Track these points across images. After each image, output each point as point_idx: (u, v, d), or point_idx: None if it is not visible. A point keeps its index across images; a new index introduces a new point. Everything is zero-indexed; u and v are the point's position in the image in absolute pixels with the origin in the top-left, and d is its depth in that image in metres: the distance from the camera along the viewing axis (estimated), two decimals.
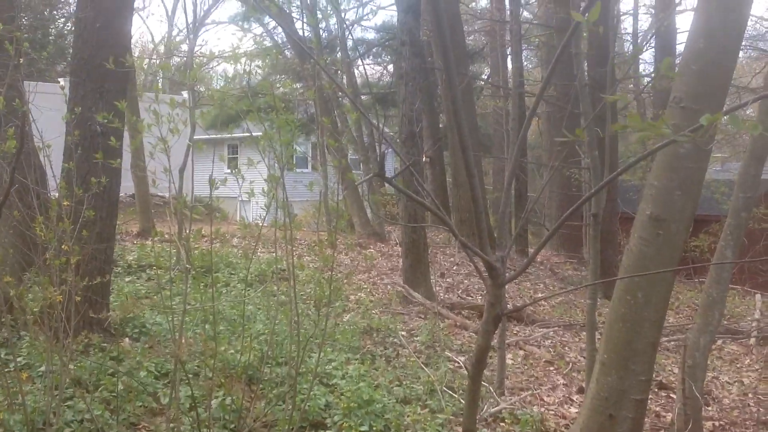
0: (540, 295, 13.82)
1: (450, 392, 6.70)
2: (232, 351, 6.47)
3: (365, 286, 12.26)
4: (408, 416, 5.81)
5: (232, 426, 5.19)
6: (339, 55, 22.11)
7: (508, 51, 23.31)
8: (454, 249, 18.75)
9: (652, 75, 22.53)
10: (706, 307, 6.64)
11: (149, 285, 10.08)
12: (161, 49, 38.85)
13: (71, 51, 7.64)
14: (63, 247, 4.57)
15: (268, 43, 23.87)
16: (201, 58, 30.36)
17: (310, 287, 9.83)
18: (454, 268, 16.00)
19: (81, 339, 5.51)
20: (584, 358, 9.22)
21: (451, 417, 6.06)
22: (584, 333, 10.42)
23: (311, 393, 5.34)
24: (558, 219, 13.70)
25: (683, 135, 2.86)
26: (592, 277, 6.72)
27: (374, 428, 5.38)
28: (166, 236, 15.72)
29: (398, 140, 11.99)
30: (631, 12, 26.97)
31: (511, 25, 18.30)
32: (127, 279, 10.33)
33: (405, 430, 5.56)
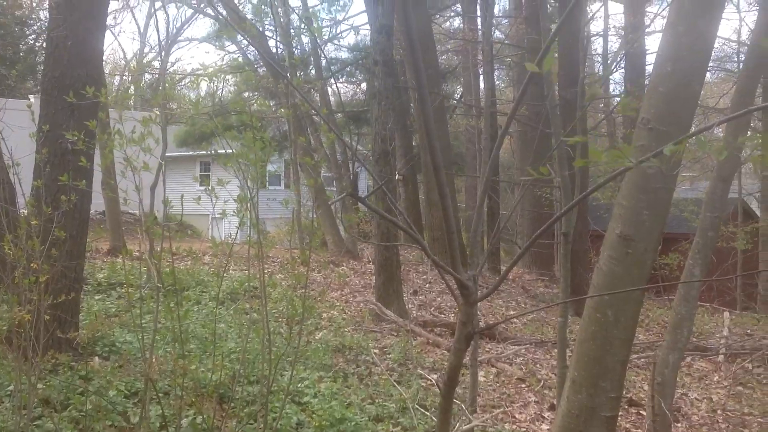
0: (512, 312, 13.88)
1: (422, 410, 6.70)
2: (203, 369, 6.42)
3: (338, 304, 12.23)
4: None
5: None
6: (313, 73, 22.18)
7: (480, 71, 23.55)
8: (426, 267, 18.79)
9: (621, 96, 22.86)
10: (675, 325, 6.73)
11: (119, 303, 9.98)
12: (133, 65, 38.65)
13: (42, 68, 7.59)
14: (32, 265, 4.53)
15: (241, 60, 23.92)
16: (174, 75, 30.32)
17: (283, 305, 9.82)
18: (427, 285, 16.03)
19: (49, 358, 5.44)
20: (555, 375, 9.29)
21: None
22: (556, 350, 10.51)
23: (283, 411, 5.32)
24: (530, 237, 13.84)
25: (646, 160, 2.92)
26: (563, 295, 6.79)
27: None
28: (136, 254, 15.62)
29: (371, 159, 12.04)
30: (602, 33, 27.28)
31: (483, 45, 18.52)
32: (96, 297, 10.23)
33: None
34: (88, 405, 5.27)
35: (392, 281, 11.56)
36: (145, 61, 39.25)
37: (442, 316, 12.54)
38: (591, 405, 4.95)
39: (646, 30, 24.49)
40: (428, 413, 6.66)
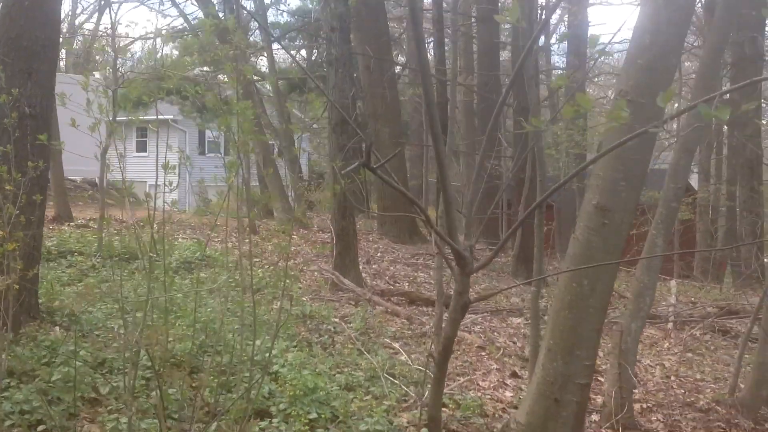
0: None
1: (391, 378, 6.72)
2: (171, 340, 6.31)
3: (292, 273, 12.15)
4: (353, 403, 5.80)
5: (176, 416, 5.09)
6: (254, 38, 21.81)
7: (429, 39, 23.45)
8: (376, 236, 18.84)
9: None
10: (637, 293, 6.88)
11: (71, 272, 9.73)
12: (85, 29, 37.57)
13: None
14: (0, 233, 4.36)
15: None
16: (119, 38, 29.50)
17: (238, 274, 9.69)
18: (378, 254, 16.07)
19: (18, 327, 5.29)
20: (513, 343, 9.44)
21: (395, 404, 6.10)
22: (512, 318, 10.68)
23: (256, 381, 5.25)
24: (479, 208, 13.92)
25: (655, 125, 2.95)
26: (537, 266, 6.84)
27: (322, 416, 5.36)
28: (81, 221, 15.25)
29: (329, 127, 11.92)
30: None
31: (433, 13, 18.46)
32: (48, 265, 9.93)
33: (351, 416, 5.55)
34: (56, 375, 5.13)
35: (349, 250, 11.53)
36: (77, 23, 38.12)
37: (398, 285, 12.59)
38: (566, 372, 5.04)
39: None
40: (397, 381, 6.68)
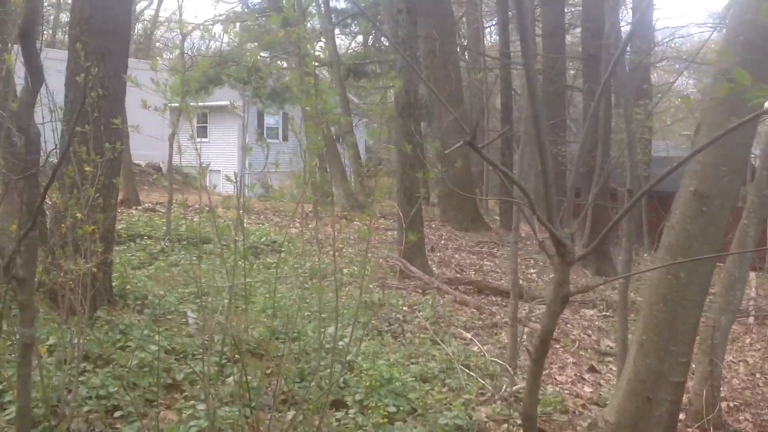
0: (532, 271, 13.74)
1: (467, 370, 6.51)
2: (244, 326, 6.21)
3: (357, 259, 12.01)
4: (431, 395, 5.62)
5: (252, 404, 4.97)
6: (312, 24, 21.65)
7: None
8: (439, 223, 18.60)
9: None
10: (727, 287, 6.53)
11: (140, 255, 9.76)
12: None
13: (70, 11, 7.23)
14: (78, 215, 4.27)
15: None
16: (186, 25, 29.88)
17: (307, 261, 9.61)
18: (442, 242, 15.85)
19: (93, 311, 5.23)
20: (588, 336, 9.14)
21: (473, 397, 5.90)
22: (583, 310, 10.35)
23: (337, 372, 5.11)
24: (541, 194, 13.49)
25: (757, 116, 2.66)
26: (626, 256, 6.49)
27: (401, 409, 5.19)
28: (148, 205, 15.38)
29: (395, 111, 11.70)
30: None
31: None
32: (117, 249, 9.99)
33: (429, 410, 5.36)
34: (134, 360, 5.06)
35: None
36: (138, 9, 38.55)
37: (464, 273, 12.36)
38: (660, 369, 4.77)
39: None
40: (473, 374, 6.48)
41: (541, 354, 3.41)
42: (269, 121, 30.57)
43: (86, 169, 4.29)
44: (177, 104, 3.88)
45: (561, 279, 3.32)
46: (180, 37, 14.07)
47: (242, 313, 6.29)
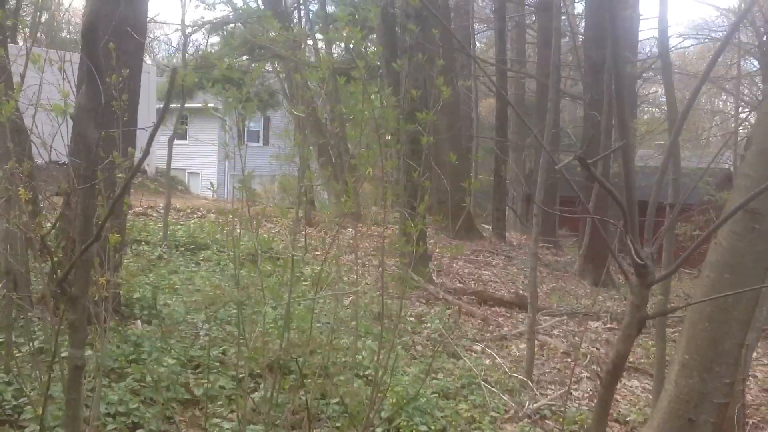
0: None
1: (489, 386, 6.31)
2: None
3: (355, 268, 11.76)
4: (462, 414, 5.41)
5: (276, 422, 4.74)
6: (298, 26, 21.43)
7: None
8: (431, 231, 18.38)
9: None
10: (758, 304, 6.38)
11: (138, 261, 9.45)
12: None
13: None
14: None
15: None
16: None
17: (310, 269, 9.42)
18: (436, 251, 15.64)
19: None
20: (597, 349, 8.97)
21: (498, 414, 5.70)
22: (590, 322, 10.19)
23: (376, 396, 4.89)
24: (542, 202, 13.36)
25: None
26: (665, 270, 6.27)
27: (433, 428, 4.96)
28: (139, 209, 15.03)
29: (401, 116, 11.49)
30: None
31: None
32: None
33: (459, 429, 5.16)
34: (151, 375, 4.80)
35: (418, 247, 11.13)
36: None
37: (465, 283, 12.18)
38: (703, 390, 4.60)
39: None
40: (495, 390, 6.28)
41: (612, 379, 3.22)
42: (250, 124, 30.27)
43: (119, 175, 4.05)
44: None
45: (639, 301, 3.13)
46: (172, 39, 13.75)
47: (278, 329, 6.06)
